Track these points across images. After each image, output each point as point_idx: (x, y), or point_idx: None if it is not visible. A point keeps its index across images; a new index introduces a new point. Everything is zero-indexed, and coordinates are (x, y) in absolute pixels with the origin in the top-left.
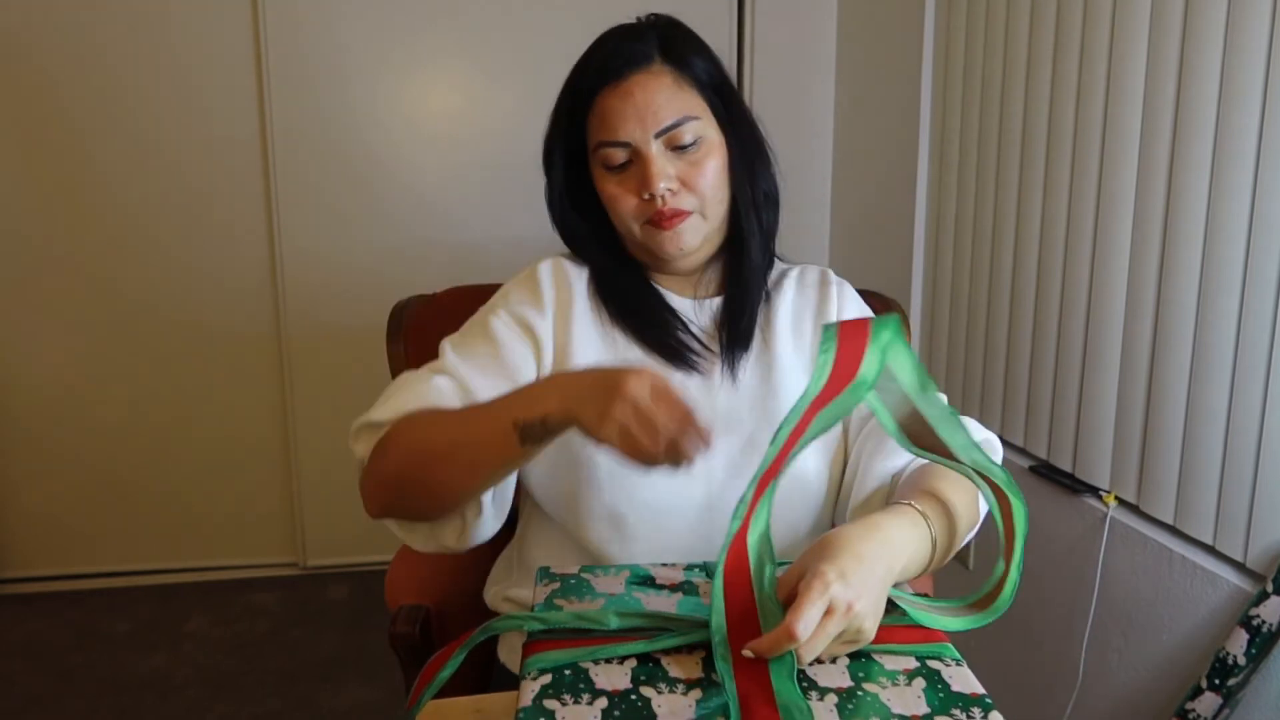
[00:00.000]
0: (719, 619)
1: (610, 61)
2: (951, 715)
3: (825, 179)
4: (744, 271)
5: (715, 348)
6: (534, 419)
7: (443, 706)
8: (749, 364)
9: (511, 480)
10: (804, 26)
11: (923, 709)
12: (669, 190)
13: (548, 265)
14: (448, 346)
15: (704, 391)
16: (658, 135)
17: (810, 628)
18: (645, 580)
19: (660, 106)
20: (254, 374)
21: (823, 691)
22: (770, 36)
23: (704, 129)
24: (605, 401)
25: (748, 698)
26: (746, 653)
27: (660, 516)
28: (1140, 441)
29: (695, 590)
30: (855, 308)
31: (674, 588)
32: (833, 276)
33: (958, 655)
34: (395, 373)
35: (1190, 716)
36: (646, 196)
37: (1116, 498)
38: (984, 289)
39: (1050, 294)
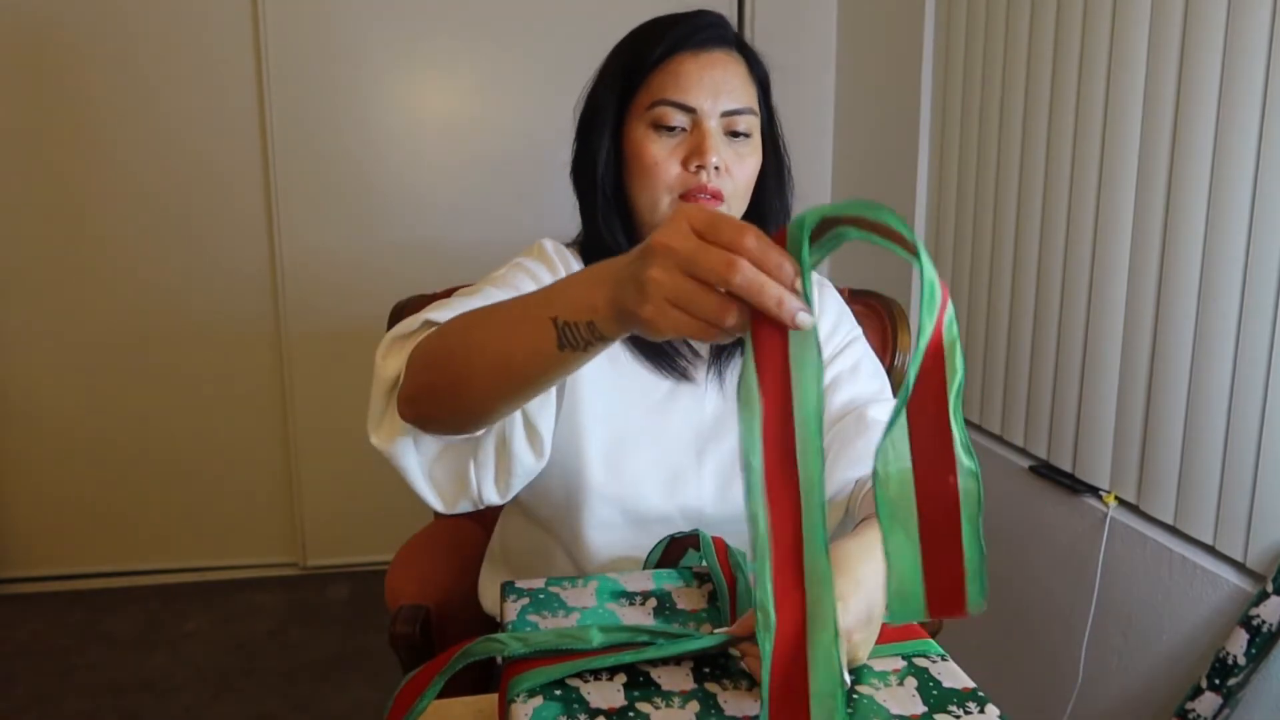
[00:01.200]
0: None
1: (695, 31)
2: (949, 712)
3: (825, 179)
4: None
5: (703, 353)
6: (578, 321)
7: (442, 707)
8: (735, 369)
9: (549, 415)
10: (804, 26)
11: (920, 708)
12: (717, 168)
13: (551, 245)
14: (483, 285)
15: (692, 399)
16: (723, 114)
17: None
18: (616, 591)
19: (736, 88)
20: (254, 374)
21: None
22: (770, 36)
23: (755, 127)
24: (639, 269)
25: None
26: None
27: (650, 525)
28: (1140, 441)
29: (669, 598)
30: (834, 308)
31: (646, 595)
32: (813, 276)
33: (941, 651)
34: None
35: (1190, 716)
36: (694, 168)
37: (1116, 498)
38: (984, 289)
39: (1050, 294)
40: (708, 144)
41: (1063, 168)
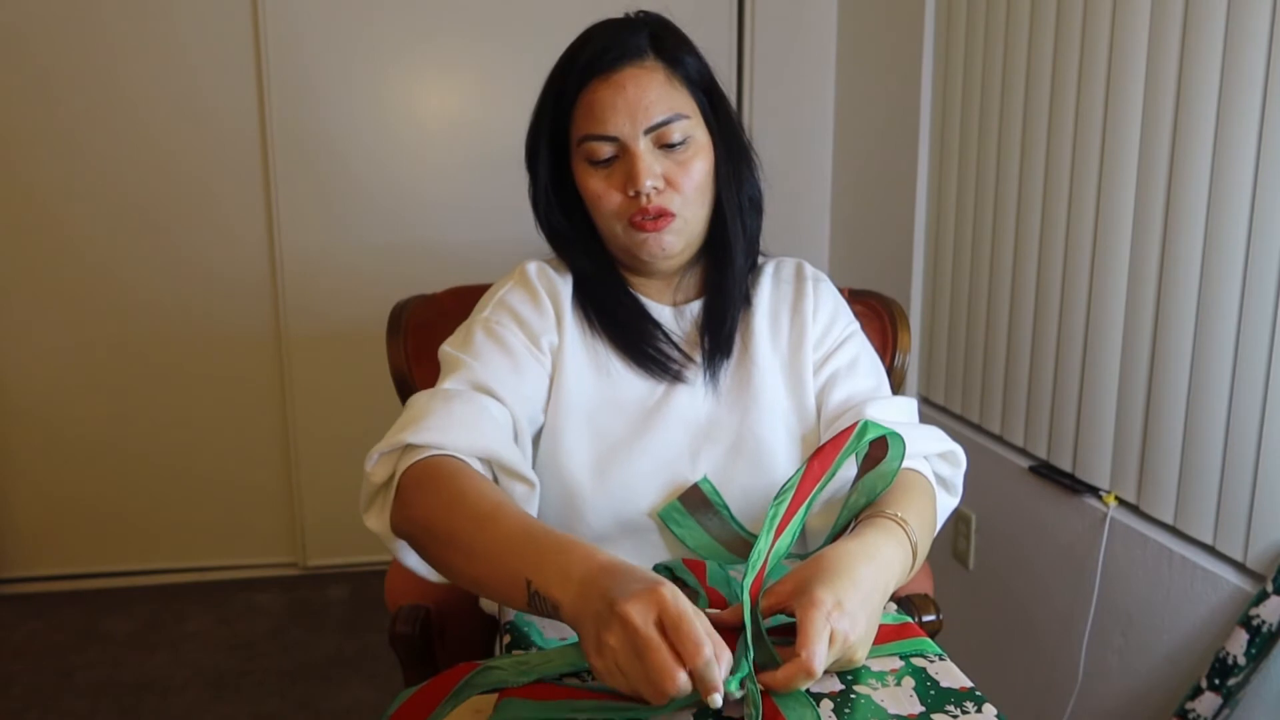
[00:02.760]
0: (750, 640)
1: (602, 53)
2: (946, 712)
3: (825, 179)
4: (726, 278)
5: (696, 355)
6: (546, 597)
7: None
8: (729, 369)
9: (527, 463)
10: (804, 26)
11: (917, 708)
12: (655, 189)
13: (534, 268)
14: (468, 359)
15: (688, 400)
16: (647, 131)
17: (824, 661)
18: None
19: (652, 102)
20: (254, 374)
21: (817, 697)
22: (770, 36)
23: (693, 129)
24: (602, 625)
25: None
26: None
27: (647, 533)
28: (1140, 441)
29: None
30: (830, 302)
31: None
32: (809, 270)
33: (939, 650)
34: (395, 372)
35: (1190, 716)
36: (632, 194)
37: (1116, 498)
38: (984, 289)
39: (1050, 294)
40: (637, 169)
41: (1063, 168)
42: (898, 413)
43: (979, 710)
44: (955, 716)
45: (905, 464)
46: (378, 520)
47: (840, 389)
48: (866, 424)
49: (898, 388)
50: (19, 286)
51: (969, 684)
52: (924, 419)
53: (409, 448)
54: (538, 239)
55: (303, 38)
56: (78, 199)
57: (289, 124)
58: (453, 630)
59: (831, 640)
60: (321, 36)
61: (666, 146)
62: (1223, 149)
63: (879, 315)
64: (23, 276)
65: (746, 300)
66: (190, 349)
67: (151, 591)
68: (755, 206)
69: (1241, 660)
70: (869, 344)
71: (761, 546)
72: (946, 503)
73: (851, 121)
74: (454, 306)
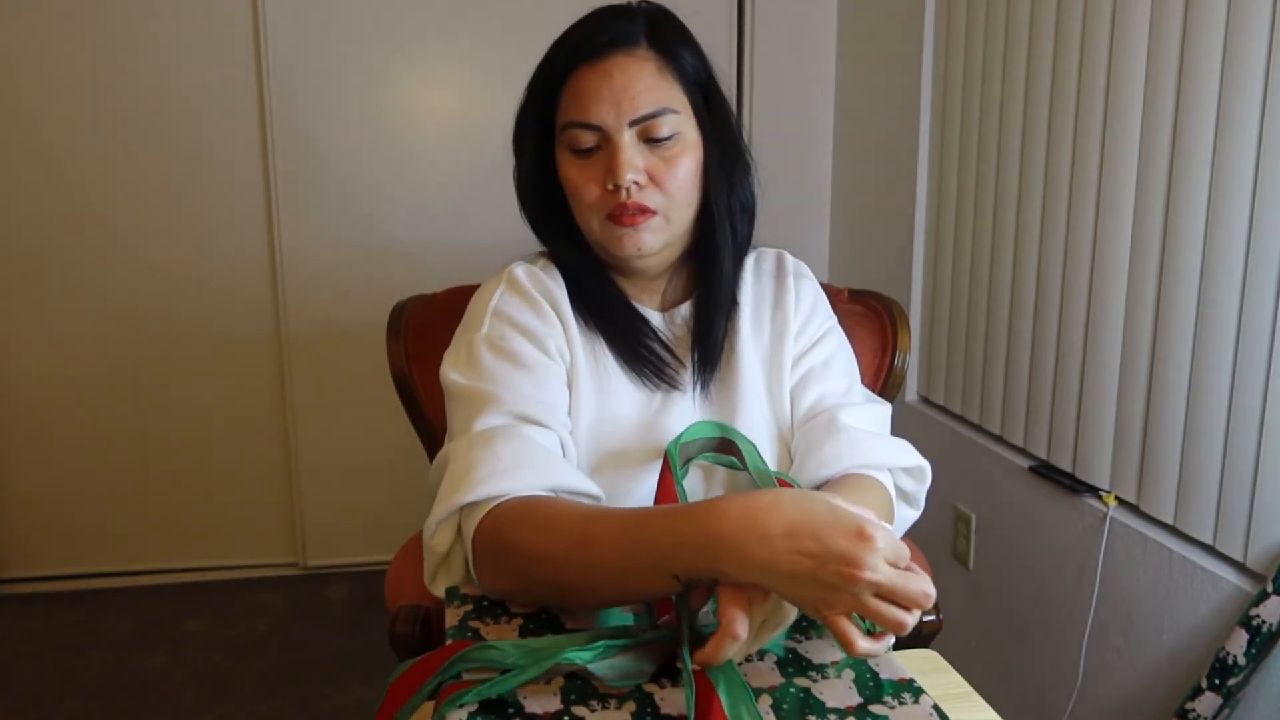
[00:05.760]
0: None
1: (592, 38)
2: (884, 703)
3: (825, 179)
4: (713, 284)
5: (688, 360)
6: (703, 575)
7: (427, 710)
8: (717, 376)
9: None
10: (804, 26)
11: (855, 699)
12: (635, 183)
13: (522, 271)
14: (489, 387)
15: (681, 410)
16: (632, 123)
17: (744, 625)
18: None
19: (639, 93)
20: (254, 374)
21: (756, 692)
22: (770, 36)
23: (682, 124)
24: (836, 586)
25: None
26: (694, 666)
27: None
28: (1140, 441)
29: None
30: (810, 296)
31: None
32: (790, 263)
33: None
34: (395, 372)
35: (1190, 716)
36: (611, 187)
37: (1116, 498)
38: (984, 289)
39: (1050, 294)
40: (618, 161)
41: (1063, 167)
42: (869, 422)
43: (916, 701)
44: (893, 708)
45: (866, 472)
46: (444, 581)
47: (812, 390)
48: (667, 449)
49: (897, 388)
50: (19, 287)
51: (908, 675)
52: (924, 419)
53: (469, 507)
54: (532, 246)
55: (303, 37)
56: (76, 201)
57: (289, 123)
58: None
59: (750, 604)
60: (322, 36)
61: (653, 141)
62: (1223, 149)
63: (879, 315)
64: (22, 278)
65: (732, 300)
66: (190, 348)
67: (151, 591)
68: (747, 211)
69: (1241, 660)
70: (845, 341)
71: None
72: (907, 514)
73: (851, 121)
74: (454, 306)
